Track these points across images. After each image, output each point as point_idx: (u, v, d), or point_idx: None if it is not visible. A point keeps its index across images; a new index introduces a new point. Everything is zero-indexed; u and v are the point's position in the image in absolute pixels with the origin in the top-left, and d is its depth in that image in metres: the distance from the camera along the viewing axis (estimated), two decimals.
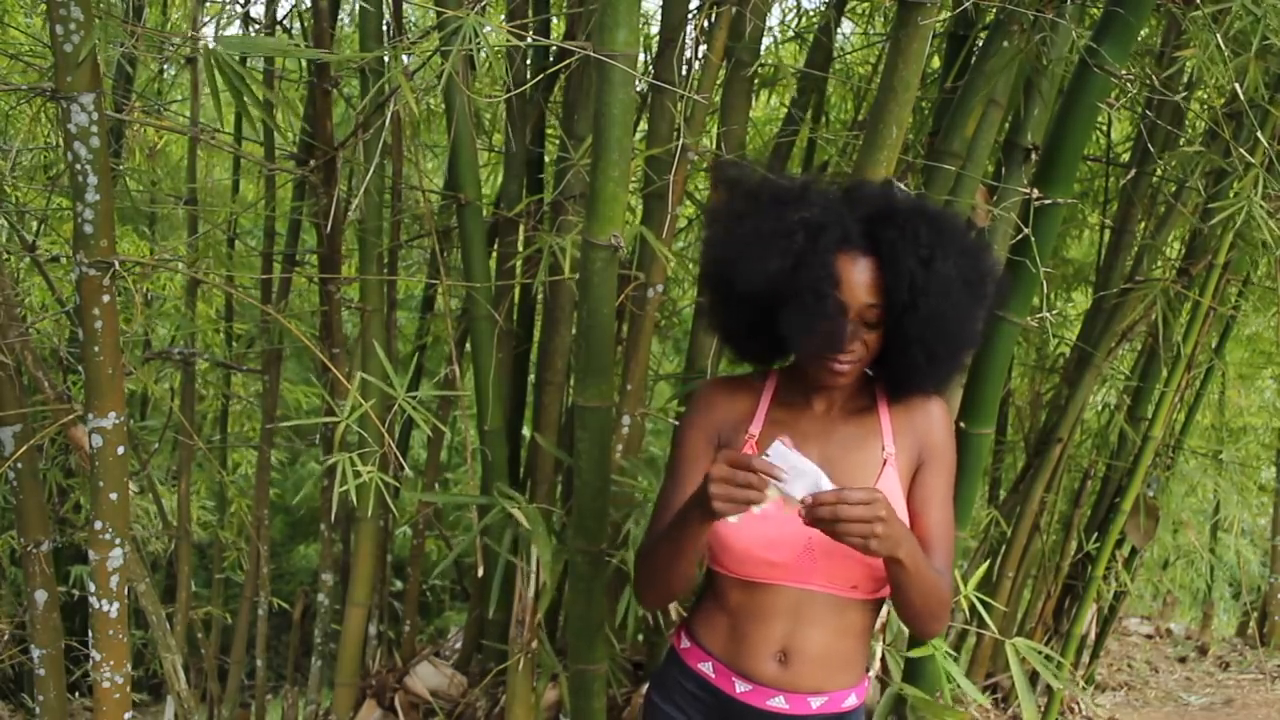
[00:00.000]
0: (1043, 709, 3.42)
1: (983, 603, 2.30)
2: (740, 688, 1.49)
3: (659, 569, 1.48)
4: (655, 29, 2.61)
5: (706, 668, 1.53)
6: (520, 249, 2.89)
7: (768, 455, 1.28)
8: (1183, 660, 5.00)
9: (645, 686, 1.98)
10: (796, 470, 1.28)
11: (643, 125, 2.77)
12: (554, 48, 2.71)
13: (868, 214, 1.40)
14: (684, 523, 1.39)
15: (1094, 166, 3.58)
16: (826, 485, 1.28)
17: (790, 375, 1.56)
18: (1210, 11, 1.96)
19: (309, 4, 2.67)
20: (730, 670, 1.51)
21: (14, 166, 2.90)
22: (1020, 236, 2.07)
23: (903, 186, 1.57)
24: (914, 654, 2.13)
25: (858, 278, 1.37)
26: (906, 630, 2.29)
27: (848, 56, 3.37)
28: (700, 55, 2.47)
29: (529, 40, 2.53)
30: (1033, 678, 3.58)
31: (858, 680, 1.53)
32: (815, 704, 1.48)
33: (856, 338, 1.40)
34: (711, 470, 1.29)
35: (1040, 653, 2.23)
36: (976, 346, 1.52)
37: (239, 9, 2.83)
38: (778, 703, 1.48)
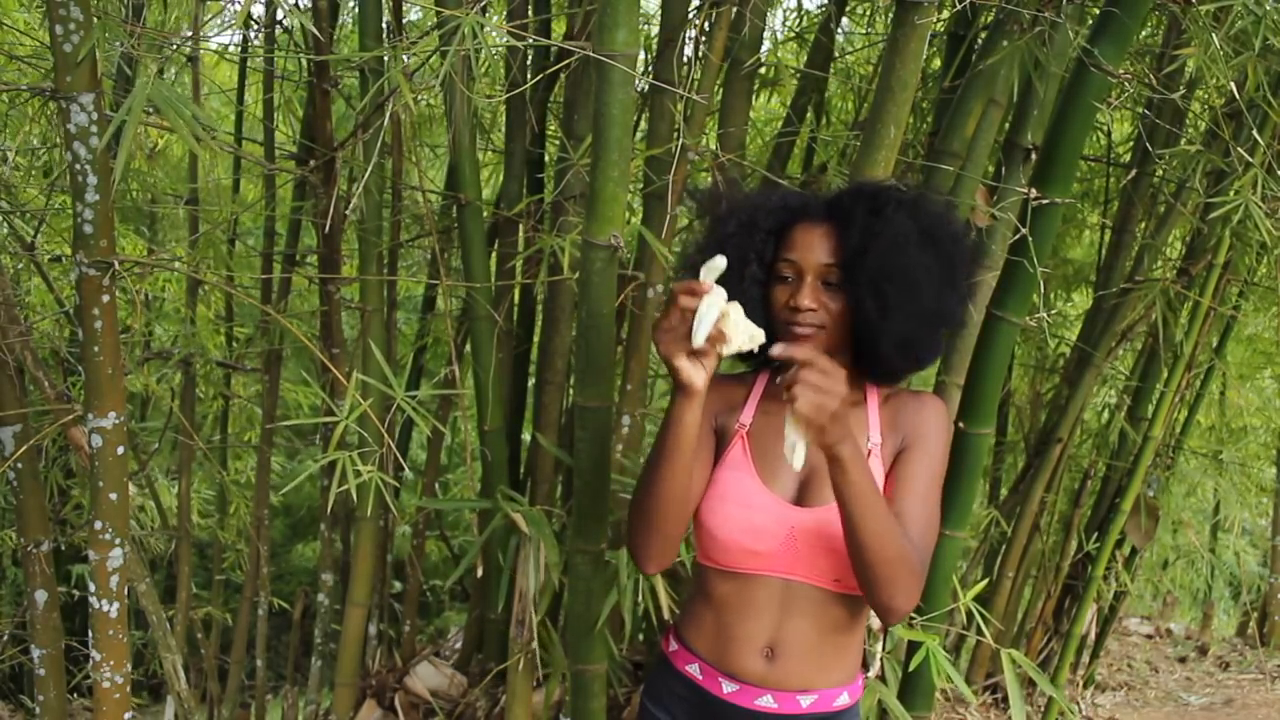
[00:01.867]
0: (1043, 709, 3.43)
1: (982, 605, 2.30)
2: (727, 688, 1.48)
3: (650, 495, 1.43)
4: (655, 29, 2.61)
5: (693, 669, 1.52)
6: (520, 249, 2.89)
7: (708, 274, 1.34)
8: (1183, 660, 5.00)
9: (642, 687, 1.98)
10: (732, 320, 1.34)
11: (643, 125, 2.77)
12: (554, 48, 2.72)
13: (835, 194, 1.48)
14: (667, 419, 1.39)
15: (1094, 166, 3.58)
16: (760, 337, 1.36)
17: (779, 372, 1.57)
18: (1211, 9, 1.96)
19: (309, 3, 2.67)
20: (717, 670, 1.50)
21: (15, 166, 2.90)
22: (1018, 236, 2.07)
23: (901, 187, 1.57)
24: (913, 665, 2.12)
25: (815, 239, 1.44)
26: (904, 638, 2.28)
27: (848, 56, 3.37)
28: (700, 55, 2.47)
29: (529, 40, 2.53)
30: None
31: (849, 679, 1.51)
32: (805, 702, 1.47)
33: (815, 297, 1.43)
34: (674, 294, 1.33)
35: (1036, 663, 2.22)
36: (947, 320, 1.46)
37: (238, 8, 2.83)
38: (766, 702, 1.46)
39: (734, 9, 2.41)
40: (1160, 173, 3.24)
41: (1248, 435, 4.99)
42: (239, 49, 3.39)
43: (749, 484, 1.47)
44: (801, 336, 1.43)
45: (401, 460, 2.96)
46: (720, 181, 1.63)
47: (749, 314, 1.42)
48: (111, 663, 1.93)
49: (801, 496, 1.47)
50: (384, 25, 2.58)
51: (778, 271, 1.46)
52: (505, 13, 2.74)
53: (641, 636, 3.08)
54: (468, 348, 2.79)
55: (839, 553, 1.41)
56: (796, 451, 1.29)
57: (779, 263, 1.46)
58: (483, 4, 1.94)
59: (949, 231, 1.45)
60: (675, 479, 1.42)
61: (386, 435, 2.09)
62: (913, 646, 2.23)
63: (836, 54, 3.04)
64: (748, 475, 1.48)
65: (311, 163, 2.60)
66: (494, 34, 2.37)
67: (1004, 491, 3.90)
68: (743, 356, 1.59)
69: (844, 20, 3.04)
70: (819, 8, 3.11)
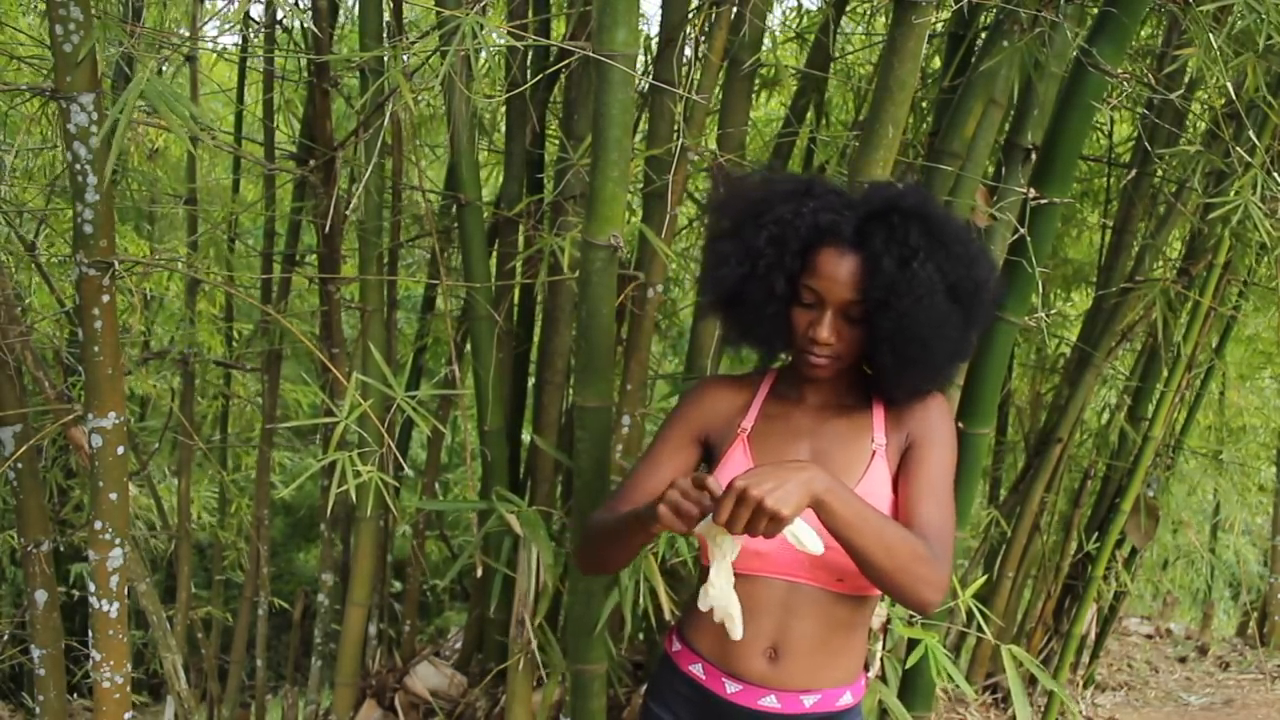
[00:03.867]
0: (1042, 709, 3.43)
1: (982, 605, 2.30)
2: (730, 688, 1.49)
3: (599, 545, 1.51)
4: (655, 29, 2.61)
5: (697, 669, 1.53)
6: (520, 249, 2.89)
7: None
8: (1183, 660, 5.00)
9: (645, 687, 1.98)
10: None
11: (643, 125, 2.77)
12: (554, 48, 2.72)
13: (868, 211, 1.42)
14: (636, 520, 1.38)
15: (1094, 166, 3.58)
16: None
17: (788, 371, 1.58)
18: (1211, 9, 1.96)
19: (309, 3, 2.67)
20: (720, 670, 1.50)
21: (14, 168, 2.90)
22: (1017, 236, 2.07)
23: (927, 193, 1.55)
24: (911, 661, 2.12)
25: (841, 273, 1.40)
26: (905, 636, 2.28)
27: (848, 57, 3.37)
28: (700, 55, 2.47)
29: (529, 40, 2.53)
30: (1034, 678, 3.58)
31: (852, 678, 1.52)
32: (808, 702, 1.47)
33: (834, 330, 1.43)
34: (676, 480, 1.28)
35: (1036, 660, 2.22)
36: (961, 356, 1.49)
37: (237, 8, 2.83)
38: (769, 702, 1.47)
39: (734, 9, 2.41)
40: (1160, 173, 3.24)
41: (1248, 435, 4.99)
42: (239, 49, 3.38)
43: None
44: (816, 365, 1.45)
45: (401, 460, 2.96)
46: (736, 181, 1.60)
47: (770, 329, 1.47)
48: (111, 663, 1.93)
49: None
50: (384, 25, 2.59)
51: (801, 294, 1.45)
52: (505, 13, 2.74)
53: (641, 636, 3.08)
54: (468, 348, 2.79)
55: (843, 554, 1.41)
56: (803, 537, 1.28)
57: (803, 286, 1.44)
58: (483, 4, 1.94)
59: (975, 282, 1.42)
60: (617, 551, 1.49)
61: (386, 435, 2.09)
62: (912, 645, 2.23)
63: (836, 54, 3.03)
64: None
65: (311, 163, 2.60)
66: (494, 34, 2.37)
67: (1004, 491, 3.90)
68: (754, 344, 1.59)
69: (843, 20, 3.03)
70: (818, 8, 3.11)
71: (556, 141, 2.86)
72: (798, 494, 1.22)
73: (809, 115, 3.05)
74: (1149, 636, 5.36)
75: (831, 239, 1.41)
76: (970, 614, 2.21)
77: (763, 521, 1.21)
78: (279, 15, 2.93)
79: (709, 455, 1.56)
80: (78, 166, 1.71)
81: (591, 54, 1.68)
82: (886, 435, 1.49)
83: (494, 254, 2.86)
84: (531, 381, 3.11)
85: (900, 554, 1.31)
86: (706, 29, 2.48)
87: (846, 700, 1.51)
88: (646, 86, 2.64)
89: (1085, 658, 4.20)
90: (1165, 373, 3.29)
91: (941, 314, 1.38)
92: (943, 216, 1.44)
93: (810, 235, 1.42)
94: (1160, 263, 3.44)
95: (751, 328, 1.51)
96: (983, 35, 2.51)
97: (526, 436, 3.16)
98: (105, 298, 1.79)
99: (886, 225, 1.39)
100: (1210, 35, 1.97)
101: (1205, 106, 3.14)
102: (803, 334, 1.45)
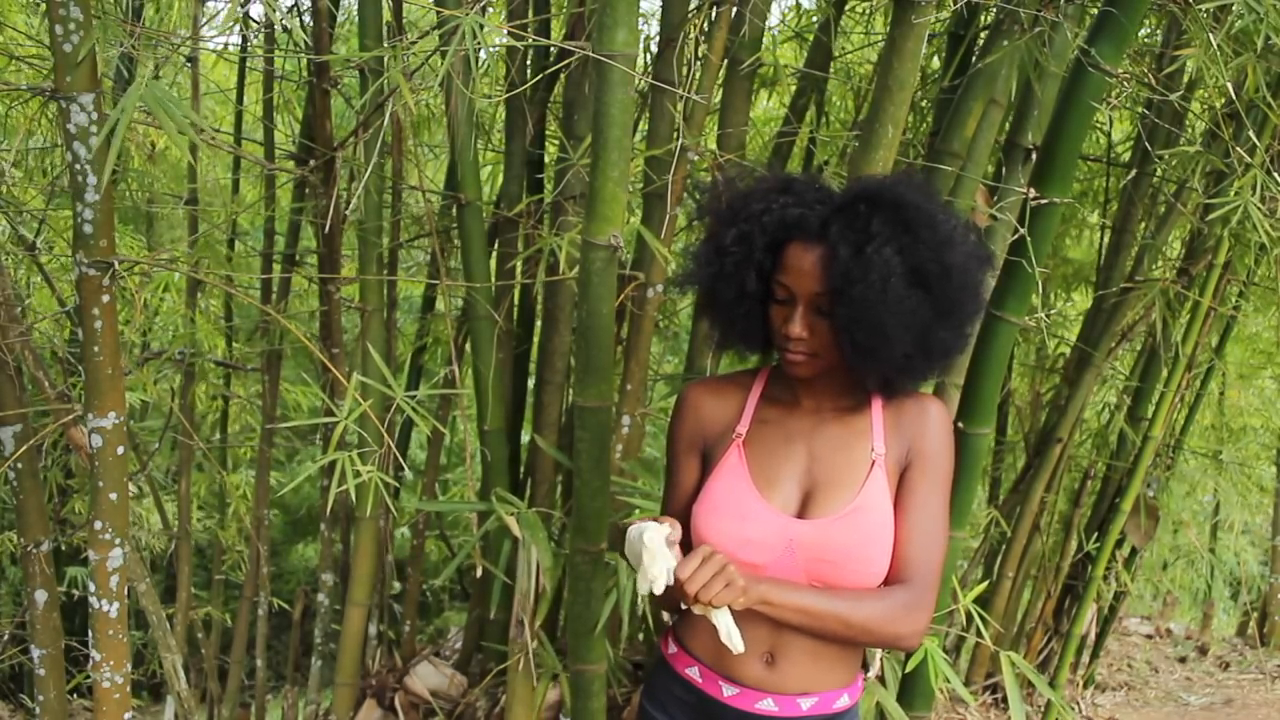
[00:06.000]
0: (1043, 709, 3.43)
1: (982, 605, 2.30)
2: (727, 691, 1.48)
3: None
4: (655, 29, 2.61)
5: (693, 672, 1.52)
6: (520, 249, 2.89)
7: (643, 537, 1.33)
8: (1183, 660, 5.00)
9: (641, 689, 1.98)
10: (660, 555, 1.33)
11: (643, 125, 2.77)
12: (554, 48, 2.72)
13: (838, 204, 1.40)
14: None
15: (1094, 166, 3.58)
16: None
17: (780, 372, 1.55)
18: (1211, 9, 1.96)
19: (309, 3, 2.67)
20: (716, 674, 1.49)
21: (15, 166, 2.90)
22: (1017, 236, 2.08)
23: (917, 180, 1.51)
24: (910, 665, 2.12)
25: (807, 265, 1.38)
26: None
27: (848, 56, 3.37)
28: (700, 55, 2.47)
29: (529, 40, 2.53)
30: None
31: (850, 680, 1.51)
32: (805, 705, 1.46)
33: (806, 325, 1.41)
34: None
35: (1036, 663, 2.22)
36: (942, 348, 1.42)
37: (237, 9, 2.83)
38: (766, 705, 1.46)
39: (734, 9, 2.41)
40: (1160, 173, 3.24)
41: (1248, 435, 4.99)
42: (238, 49, 3.39)
43: (745, 495, 1.45)
44: (793, 362, 1.44)
45: (401, 460, 2.96)
46: (720, 182, 1.58)
47: (745, 327, 1.47)
48: (111, 663, 1.93)
49: (804, 508, 1.45)
50: (384, 25, 2.59)
51: (774, 291, 1.43)
52: (505, 13, 2.74)
53: (641, 637, 3.08)
54: (468, 348, 2.79)
55: (839, 563, 1.40)
56: (732, 636, 1.32)
57: (776, 283, 1.42)
58: (483, 4, 1.95)
59: (943, 265, 1.36)
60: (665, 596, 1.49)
61: (386, 435, 2.09)
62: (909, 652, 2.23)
63: (836, 53, 3.03)
64: (744, 485, 1.46)
65: (311, 163, 2.61)
66: (493, 34, 2.37)
67: (1004, 491, 3.90)
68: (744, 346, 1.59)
69: (843, 19, 3.04)
70: (818, 7, 3.11)
71: (556, 141, 2.87)
72: (748, 590, 1.31)
73: (809, 114, 3.05)
74: (1149, 636, 5.36)
75: (799, 233, 1.39)
76: (970, 617, 2.21)
77: (719, 584, 1.29)
78: (279, 16, 2.93)
79: (704, 462, 1.54)
80: (78, 166, 1.71)
81: (591, 54, 1.68)
82: (886, 444, 1.46)
83: (494, 254, 2.86)
84: (531, 381, 3.11)
85: (859, 622, 1.38)
86: (706, 29, 2.48)
87: (843, 702, 1.50)
88: (646, 86, 2.64)
89: (1085, 658, 4.20)
90: (1165, 373, 3.29)
91: (898, 299, 1.34)
92: (915, 203, 1.38)
93: (778, 231, 1.41)
94: (1160, 263, 3.44)
95: (728, 327, 1.50)
96: (983, 35, 2.52)
97: (526, 436, 3.16)
98: (105, 298, 1.79)
99: (850, 215, 1.37)
100: (1210, 35, 1.97)
101: (1205, 106, 3.14)
102: (778, 331, 1.43)
